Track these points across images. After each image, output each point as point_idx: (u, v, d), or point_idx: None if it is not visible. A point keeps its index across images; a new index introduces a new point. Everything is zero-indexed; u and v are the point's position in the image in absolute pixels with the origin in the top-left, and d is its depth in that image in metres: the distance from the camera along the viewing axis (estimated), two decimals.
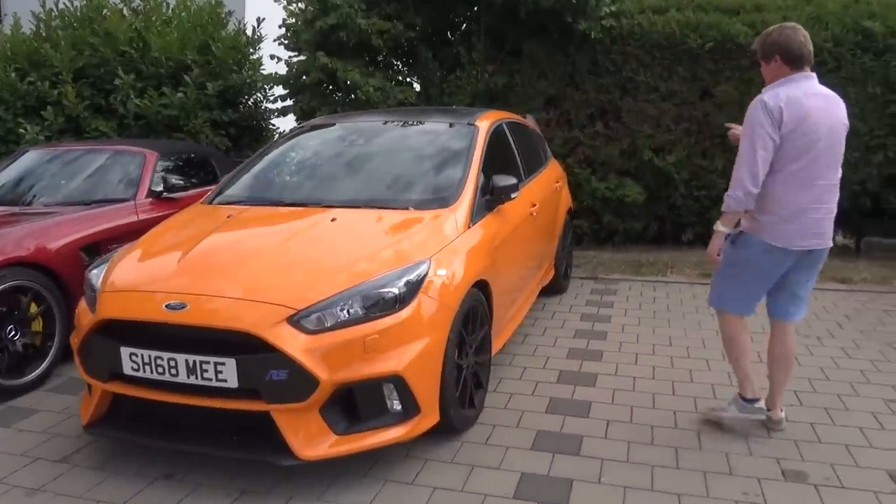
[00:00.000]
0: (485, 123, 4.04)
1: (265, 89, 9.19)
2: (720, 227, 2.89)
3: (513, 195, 3.61)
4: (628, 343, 4.35)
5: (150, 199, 4.67)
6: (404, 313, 2.64)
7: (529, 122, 5.59)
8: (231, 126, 8.51)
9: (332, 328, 2.54)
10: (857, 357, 4.08)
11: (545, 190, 4.72)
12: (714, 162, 7.47)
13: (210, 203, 3.67)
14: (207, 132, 8.01)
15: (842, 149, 2.86)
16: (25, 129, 7.50)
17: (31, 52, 8.08)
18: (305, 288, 2.61)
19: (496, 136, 4.19)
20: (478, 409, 3.20)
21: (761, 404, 3.11)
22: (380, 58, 8.09)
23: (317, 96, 7.87)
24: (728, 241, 2.93)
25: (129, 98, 7.72)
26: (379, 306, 2.62)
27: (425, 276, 2.77)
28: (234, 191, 3.75)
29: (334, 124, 4.23)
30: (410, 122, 4.09)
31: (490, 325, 3.39)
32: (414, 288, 2.71)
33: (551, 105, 7.95)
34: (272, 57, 8.71)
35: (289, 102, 8.46)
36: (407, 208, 3.27)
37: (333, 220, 3.12)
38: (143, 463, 2.86)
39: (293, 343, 2.46)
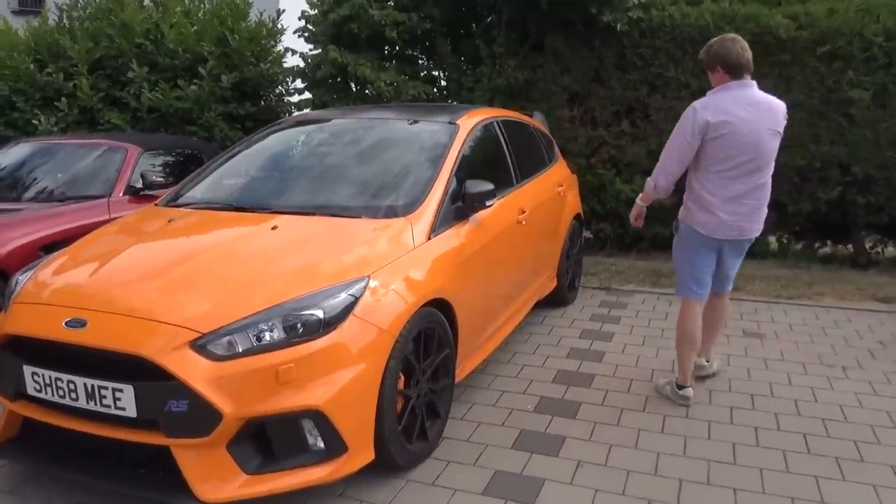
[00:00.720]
0: (468, 122, 3.69)
1: (286, 82, 8.99)
2: (638, 201, 3.57)
3: (488, 202, 3.26)
4: (625, 367, 3.94)
5: (127, 197, 4.47)
6: (329, 339, 2.33)
7: (536, 120, 5.19)
8: (248, 119, 8.33)
9: (244, 354, 2.24)
10: (886, 394, 3.58)
11: (542, 194, 4.33)
12: None
13: (165, 205, 3.42)
14: (221, 125, 7.86)
15: (769, 153, 3.12)
16: (39, 121, 7.48)
17: (52, 43, 8.06)
18: (217, 307, 2.32)
19: (482, 137, 3.84)
20: (431, 443, 2.87)
21: (689, 392, 3.42)
22: (395, 51, 7.77)
23: (330, 90, 7.63)
24: (675, 232, 3.42)
25: (142, 91, 7.63)
26: (299, 330, 2.31)
27: (360, 295, 2.45)
28: (190, 192, 3.50)
29: (311, 122, 3.93)
30: (391, 121, 3.76)
31: (455, 347, 3.05)
32: (344, 309, 2.39)
33: (575, 102, 7.52)
34: (287, 50, 8.54)
35: (307, 96, 8.26)
36: (360, 216, 2.96)
37: (274, 228, 2.83)
38: (58, 490, 2.63)
39: (194, 371, 2.18)
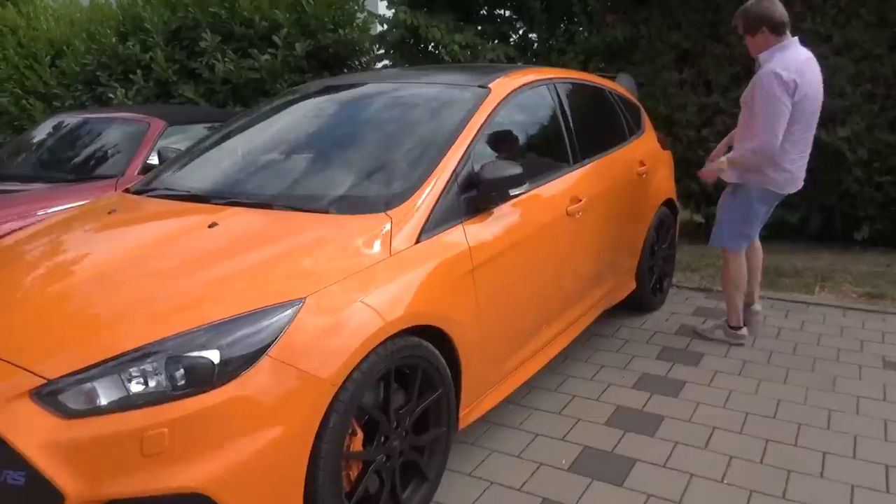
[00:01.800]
0: (506, 85, 2.87)
1: (373, 50, 8.38)
2: (727, 170, 3.39)
3: (513, 192, 2.44)
4: (708, 406, 3.01)
5: (143, 177, 4.01)
6: (225, 392, 1.65)
7: (618, 84, 4.23)
8: None
9: (108, 410, 1.62)
10: None
11: (613, 177, 3.42)
12: None
13: (136, 191, 2.87)
14: None
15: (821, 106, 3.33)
16: (114, 94, 7.35)
17: (135, 15, 7.91)
18: (79, 343, 1.71)
19: (526, 105, 3.00)
20: None
21: (744, 331, 3.70)
22: (479, 11, 6.93)
23: (404, 55, 6.95)
24: (730, 193, 3.48)
25: (215, 61, 7.31)
26: (184, 378, 1.65)
27: (284, 327, 1.75)
28: (164, 175, 2.93)
29: (323, 89, 3.22)
30: (412, 85, 2.99)
31: (457, 385, 2.31)
32: (254, 349, 1.70)
33: (685, 63, 6.38)
34: (371, 15, 7.90)
35: (387, 63, 7.65)
36: (327, 211, 2.24)
37: (212, 225, 2.17)
38: None
39: (29, 431, 1.58)
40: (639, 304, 4.07)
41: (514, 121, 2.91)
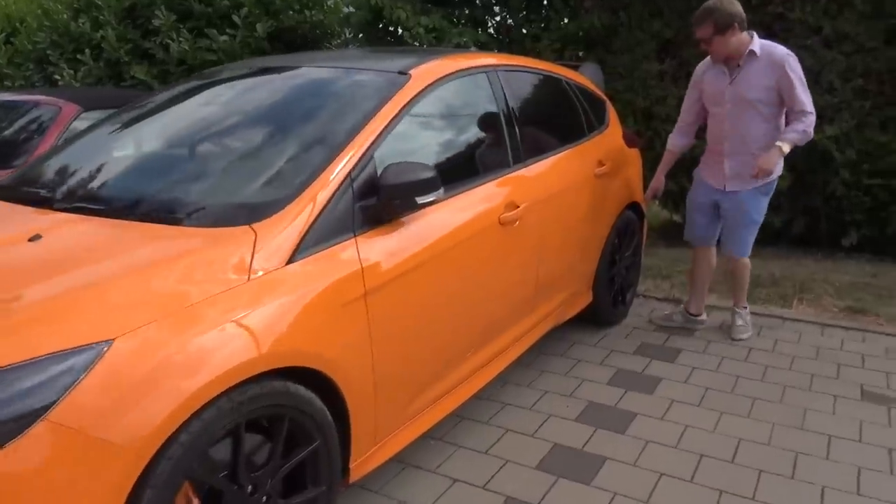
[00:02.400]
0: (430, 72, 2.46)
1: (344, 33, 7.94)
2: (784, 148, 3.18)
3: (424, 199, 2.04)
4: (658, 445, 2.63)
5: None
6: None
7: (580, 73, 3.82)
8: None
9: None
10: None
11: (563, 179, 3.03)
12: None
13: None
14: None
15: None
16: (62, 75, 6.91)
17: None
18: None
19: (456, 95, 2.60)
20: None
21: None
22: None
23: (369, 38, 6.52)
24: (761, 193, 3.36)
25: (171, 41, 6.86)
26: None
27: (74, 382, 1.35)
28: (29, 170, 2.51)
29: (223, 74, 2.81)
30: (322, 71, 2.57)
31: (348, 433, 1.93)
32: (28, 410, 1.31)
33: (666, 53, 5.97)
34: None
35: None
36: (179, 222, 1.84)
37: (34, 238, 1.77)
38: None
39: None
40: (597, 317, 3.69)
41: (440, 114, 2.51)
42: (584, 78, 3.72)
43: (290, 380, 1.73)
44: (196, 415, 1.49)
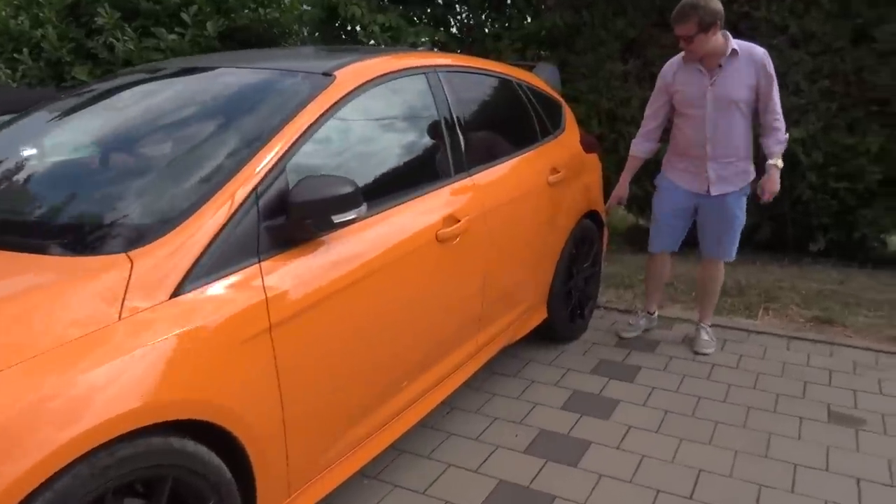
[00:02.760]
0: (357, 74, 2.23)
1: (302, 31, 7.65)
2: (779, 164, 3.16)
3: (342, 217, 1.81)
4: (612, 480, 2.42)
5: None
6: None
7: (542, 74, 3.61)
8: None
9: None
10: None
11: (511, 190, 2.81)
12: (865, 140, 5.02)
13: None
14: None
15: None
16: None
17: None
18: None
19: (386, 99, 2.36)
20: None
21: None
22: None
23: (325, 37, 6.27)
24: (741, 194, 3.29)
25: (115, 40, 6.53)
26: None
27: None
28: None
29: (127, 79, 2.53)
30: (237, 72, 2.32)
31: (254, 490, 1.68)
32: None
33: (630, 53, 5.81)
34: None
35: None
36: (44, 251, 1.58)
37: None
38: None
39: None
40: (553, 334, 3.48)
41: (370, 120, 2.27)
42: (539, 80, 3.51)
43: (175, 434, 1.49)
44: (46, 486, 1.24)
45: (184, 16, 6.61)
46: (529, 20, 5.91)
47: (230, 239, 1.67)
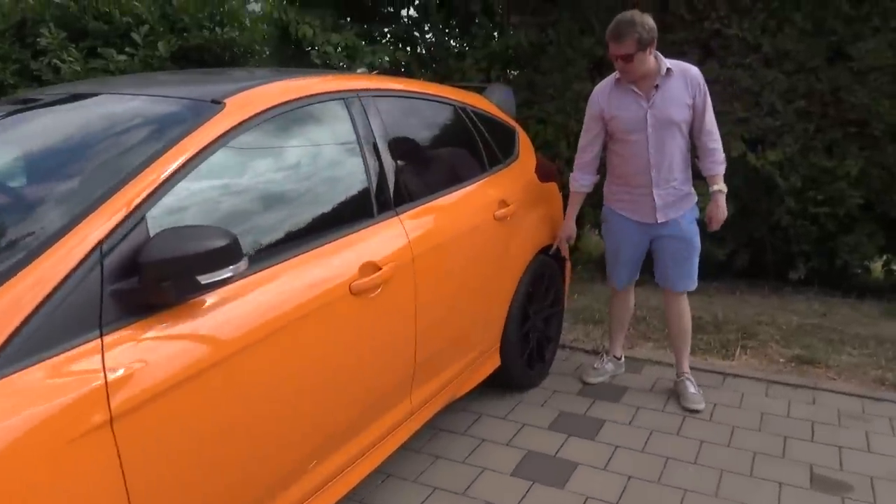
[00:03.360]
0: (253, 101, 1.90)
1: (264, 51, 7.34)
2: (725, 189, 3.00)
3: (208, 278, 1.47)
4: None
5: None
6: None
7: (494, 97, 3.32)
8: None
9: None
10: None
11: (448, 229, 2.48)
12: (844, 163, 4.76)
13: None
14: None
15: None
16: None
17: None
18: None
19: (292, 130, 2.04)
20: None
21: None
22: (381, 8, 5.98)
23: (282, 59, 5.96)
24: (693, 216, 3.05)
25: (60, 62, 6.19)
26: None
27: None
28: None
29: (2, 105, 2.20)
30: (115, 99, 1.98)
31: None
32: None
33: (598, 72, 5.53)
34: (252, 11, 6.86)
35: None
36: None
37: None
38: None
39: None
40: (509, 382, 3.15)
41: (269, 154, 1.94)
42: (489, 103, 3.21)
43: None
44: None
45: (134, 36, 6.30)
46: (491, 38, 5.63)
47: (62, 308, 1.33)
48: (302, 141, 2.07)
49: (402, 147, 2.41)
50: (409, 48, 6.25)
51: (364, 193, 2.17)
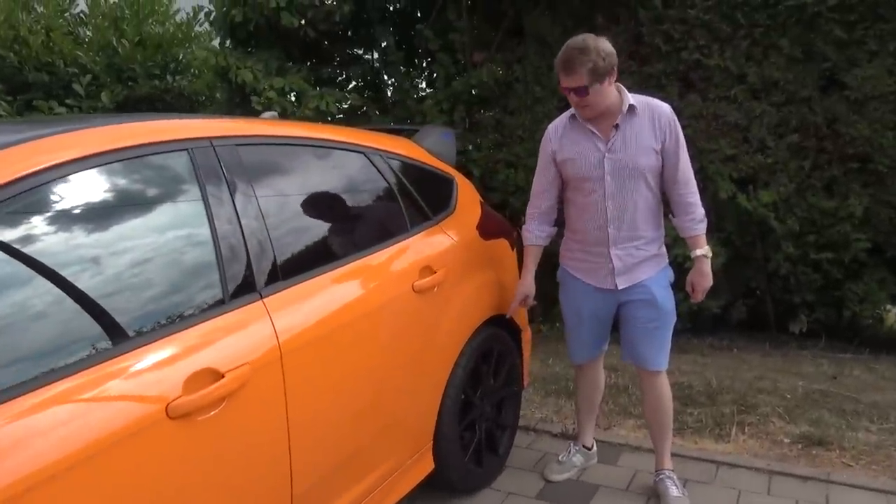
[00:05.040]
0: (37, 155, 1.37)
1: (218, 97, 6.93)
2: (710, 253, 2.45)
3: None
4: None
5: None
6: None
7: (427, 140, 2.81)
8: None
9: None
10: None
11: (346, 307, 1.93)
12: (847, 203, 4.23)
13: None
14: None
15: None
16: None
17: None
18: None
19: (103, 192, 1.51)
20: None
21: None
22: (319, 48, 5.54)
23: (229, 104, 5.52)
24: (666, 278, 2.50)
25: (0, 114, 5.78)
26: None
27: None
28: None
29: None
30: None
31: None
32: None
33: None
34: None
35: None
36: None
37: None
38: None
39: None
40: (451, 485, 2.56)
41: (68, 225, 1.41)
42: (419, 148, 2.69)
43: None
44: None
45: (76, 87, 5.90)
46: (451, 77, 5.18)
47: None
48: (119, 206, 1.53)
49: (277, 209, 1.88)
50: (373, 91, 5.83)
51: (208, 274, 1.62)
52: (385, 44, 5.29)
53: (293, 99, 4.86)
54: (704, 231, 2.42)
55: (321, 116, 4.78)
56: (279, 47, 5.11)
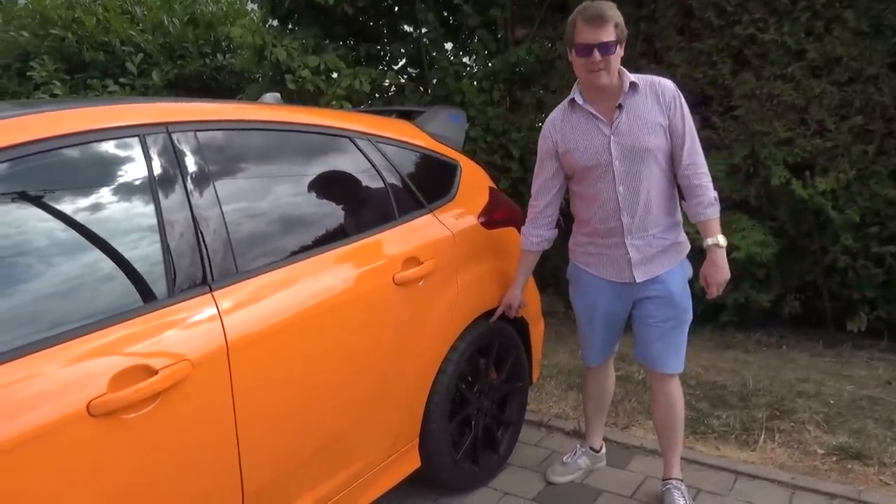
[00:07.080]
0: None
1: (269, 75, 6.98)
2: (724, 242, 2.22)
3: None
4: None
5: None
6: None
7: (432, 121, 2.69)
8: None
9: None
10: None
11: (307, 300, 1.86)
12: None
13: None
14: None
15: None
16: None
17: None
18: None
19: (38, 182, 1.47)
20: None
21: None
22: (357, 26, 5.45)
23: (271, 83, 5.52)
24: (685, 271, 2.33)
25: (51, 95, 5.99)
26: None
27: None
28: None
29: None
30: None
31: None
32: None
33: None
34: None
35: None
36: None
37: None
38: None
39: None
40: (438, 484, 2.47)
41: None
42: (419, 132, 2.57)
43: None
44: None
45: (129, 65, 6.05)
46: (492, 54, 5.00)
47: None
48: (54, 196, 1.49)
49: (239, 198, 1.81)
50: (417, 69, 5.71)
51: (151, 267, 1.57)
52: (427, 20, 5.13)
53: (330, 77, 4.80)
54: (716, 217, 2.22)
55: (354, 95, 4.70)
56: (319, 25, 5.05)
